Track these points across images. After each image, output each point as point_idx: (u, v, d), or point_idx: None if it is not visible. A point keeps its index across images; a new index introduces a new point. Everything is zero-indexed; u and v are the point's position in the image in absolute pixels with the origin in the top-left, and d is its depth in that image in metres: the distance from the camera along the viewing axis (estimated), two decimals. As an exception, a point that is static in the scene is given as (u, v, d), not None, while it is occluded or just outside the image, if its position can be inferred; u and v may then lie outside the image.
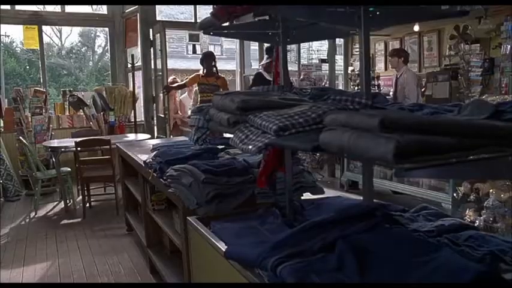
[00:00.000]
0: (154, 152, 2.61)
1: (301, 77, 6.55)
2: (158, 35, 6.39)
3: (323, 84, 6.61)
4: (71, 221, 4.67)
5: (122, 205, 4.42)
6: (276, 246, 1.18)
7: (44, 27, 7.12)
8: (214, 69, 5.55)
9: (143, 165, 2.71)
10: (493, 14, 4.62)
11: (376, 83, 6.32)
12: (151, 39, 6.70)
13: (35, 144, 5.86)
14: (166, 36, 6.38)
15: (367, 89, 1.26)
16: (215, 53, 5.98)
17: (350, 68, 6.96)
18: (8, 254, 3.73)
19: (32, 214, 4.92)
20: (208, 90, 5.46)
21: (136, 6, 6.88)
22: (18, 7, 6.64)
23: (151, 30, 6.67)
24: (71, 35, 19.35)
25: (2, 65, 6.95)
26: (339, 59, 7.43)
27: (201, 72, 5.59)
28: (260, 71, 5.58)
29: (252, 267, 1.20)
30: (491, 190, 3.29)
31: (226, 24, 1.49)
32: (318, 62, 7.03)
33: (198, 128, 1.60)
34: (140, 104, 7.07)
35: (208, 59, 5.54)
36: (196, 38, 18.88)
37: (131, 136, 5.70)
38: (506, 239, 1.18)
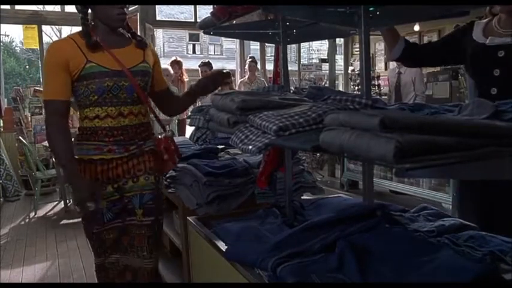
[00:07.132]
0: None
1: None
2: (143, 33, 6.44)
3: (323, 84, 6.62)
4: (71, 221, 4.65)
5: (121, 205, 4.41)
6: (276, 246, 1.18)
7: (44, 27, 7.12)
8: None
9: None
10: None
11: (376, 82, 6.32)
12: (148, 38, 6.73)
13: (35, 144, 5.85)
14: (167, 36, 6.38)
15: (367, 89, 1.26)
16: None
17: (350, 68, 6.97)
18: (7, 254, 3.73)
19: (32, 214, 4.92)
20: None
21: (136, 6, 6.87)
22: (17, 7, 6.63)
23: (146, 30, 6.69)
24: (71, 35, 19.33)
25: (2, 65, 6.94)
26: (339, 59, 7.45)
27: None
28: None
29: (252, 267, 1.20)
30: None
31: (226, 24, 1.49)
32: (318, 62, 7.05)
33: (198, 128, 1.59)
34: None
35: None
36: (196, 37, 18.88)
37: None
38: (506, 239, 1.18)
